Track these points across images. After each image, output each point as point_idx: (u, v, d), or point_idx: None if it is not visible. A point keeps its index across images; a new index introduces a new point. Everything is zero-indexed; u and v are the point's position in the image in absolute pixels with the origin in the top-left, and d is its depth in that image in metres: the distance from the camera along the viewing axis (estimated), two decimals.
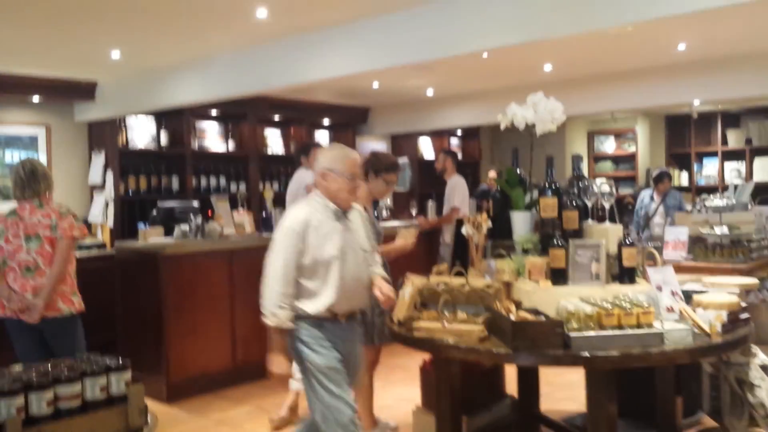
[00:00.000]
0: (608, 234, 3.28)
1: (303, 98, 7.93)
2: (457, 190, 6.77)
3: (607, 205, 3.41)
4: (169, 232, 5.10)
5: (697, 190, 9.96)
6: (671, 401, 3.47)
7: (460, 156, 9.89)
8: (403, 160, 8.83)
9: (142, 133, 7.00)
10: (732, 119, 10.28)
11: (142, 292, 4.91)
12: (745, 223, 5.89)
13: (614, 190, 3.45)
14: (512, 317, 2.83)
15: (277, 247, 2.91)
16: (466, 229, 3.48)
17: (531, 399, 3.88)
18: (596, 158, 10.82)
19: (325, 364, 2.90)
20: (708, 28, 5.56)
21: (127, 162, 6.78)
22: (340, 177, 2.92)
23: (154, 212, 5.28)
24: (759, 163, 9.98)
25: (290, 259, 2.86)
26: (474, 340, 2.83)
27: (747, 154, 10.04)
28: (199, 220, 5.00)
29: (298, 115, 8.15)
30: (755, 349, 3.22)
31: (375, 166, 3.88)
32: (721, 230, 5.72)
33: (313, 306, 2.90)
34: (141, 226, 5.20)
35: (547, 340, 2.69)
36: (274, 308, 2.84)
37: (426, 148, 9.54)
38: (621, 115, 10.22)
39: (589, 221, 3.44)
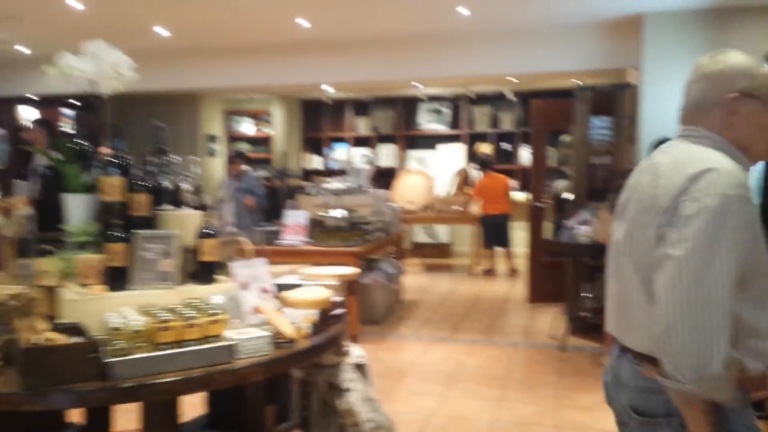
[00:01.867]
0: (186, 222, 2.67)
1: None
2: None
3: (189, 187, 2.79)
4: None
5: (330, 174, 10.18)
6: (261, 412, 3.03)
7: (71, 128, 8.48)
8: None
9: None
10: (362, 107, 10.77)
11: None
12: (362, 206, 5.92)
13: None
14: (33, 341, 2.03)
15: (709, 234, 1.39)
16: None
17: (101, 424, 3.11)
18: (233, 139, 10.37)
19: None
20: (323, 7, 5.38)
21: None
22: (764, 107, 1.57)
23: None
24: (384, 149, 10.63)
25: (734, 263, 1.39)
26: None
27: (374, 140, 10.61)
28: None
29: None
30: (349, 347, 2.94)
31: None
32: (339, 213, 5.64)
33: (755, 359, 1.48)
34: None
35: (76, 370, 1.96)
36: (713, 363, 1.36)
37: (30, 118, 7.93)
38: (258, 96, 9.93)
39: (167, 207, 2.78)
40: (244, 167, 7.01)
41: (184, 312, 2.21)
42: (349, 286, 5.43)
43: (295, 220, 5.53)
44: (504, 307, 6.85)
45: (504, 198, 8.50)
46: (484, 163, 8.83)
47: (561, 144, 7.39)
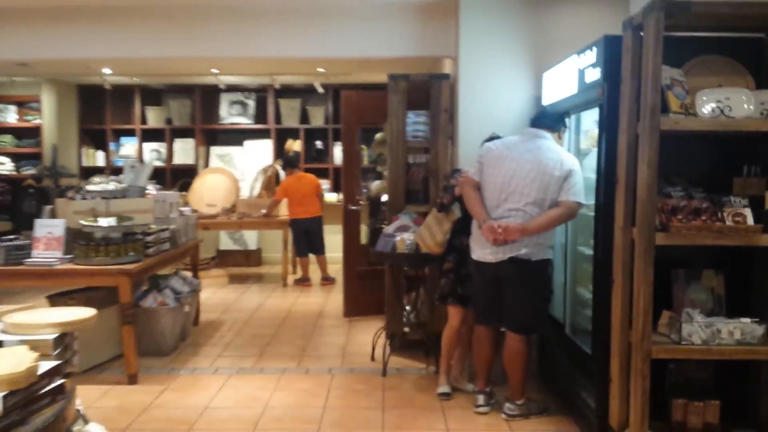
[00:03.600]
0: None
1: None
2: None
3: None
4: None
5: (114, 171, 8.75)
6: None
7: None
8: None
9: None
10: (152, 96, 9.42)
11: None
12: (141, 212, 4.80)
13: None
14: None
15: None
16: None
17: None
18: None
19: None
20: None
21: None
22: None
23: None
24: (179, 144, 9.38)
25: None
26: None
27: (167, 134, 9.32)
28: None
29: None
30: (78, 429, 1.95)
31: None
32: (108, 221, 4.49)
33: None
34: None
35: None
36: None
37: None
38: (21, 79, 8.25)
39: None
40: None
41: None
42: (125, 313, 4.33)
43: (47, 231, 4.30)
44: (318, 323, 6.06)
45: (314, 200, 7.74)
46: (288, 162, 8.00)
47: (375, 141, 6.78)
